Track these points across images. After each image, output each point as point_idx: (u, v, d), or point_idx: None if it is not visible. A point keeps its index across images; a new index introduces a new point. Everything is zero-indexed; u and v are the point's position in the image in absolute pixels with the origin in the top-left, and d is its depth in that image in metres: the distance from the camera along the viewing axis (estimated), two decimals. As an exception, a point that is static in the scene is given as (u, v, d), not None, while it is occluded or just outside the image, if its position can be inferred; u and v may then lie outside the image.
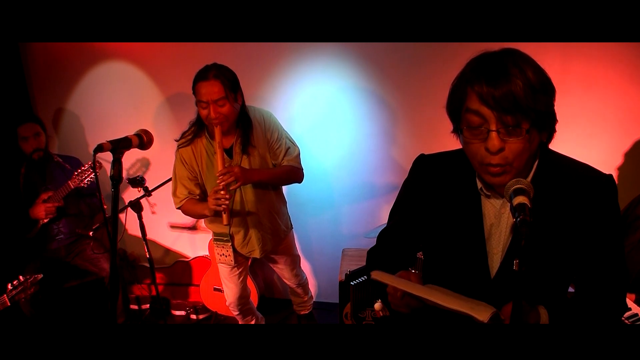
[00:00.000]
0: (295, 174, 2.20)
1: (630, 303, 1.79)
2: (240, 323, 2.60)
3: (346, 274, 2.38)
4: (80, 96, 3.05)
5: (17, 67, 2.97)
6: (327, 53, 2.68)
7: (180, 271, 3.19)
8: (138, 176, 2.48)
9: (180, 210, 2.16)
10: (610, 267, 1.04)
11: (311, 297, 2.84)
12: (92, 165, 2.14)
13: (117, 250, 1.87)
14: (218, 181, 1.88)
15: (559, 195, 1.03)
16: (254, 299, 2.85)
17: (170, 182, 2.17)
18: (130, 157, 3.06)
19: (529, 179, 1.04)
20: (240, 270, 2.38)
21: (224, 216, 1.92)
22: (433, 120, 2.62)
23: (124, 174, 3.04)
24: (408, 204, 1.24)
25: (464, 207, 1.12)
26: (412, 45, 2.57)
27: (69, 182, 2.55)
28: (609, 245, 1.04)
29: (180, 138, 2.09)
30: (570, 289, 1.16)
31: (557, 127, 1.02)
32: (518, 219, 0.85)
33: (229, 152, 2.06)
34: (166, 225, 3.20)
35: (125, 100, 3.00)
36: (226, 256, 2.27)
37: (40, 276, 2.05)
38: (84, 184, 2.56)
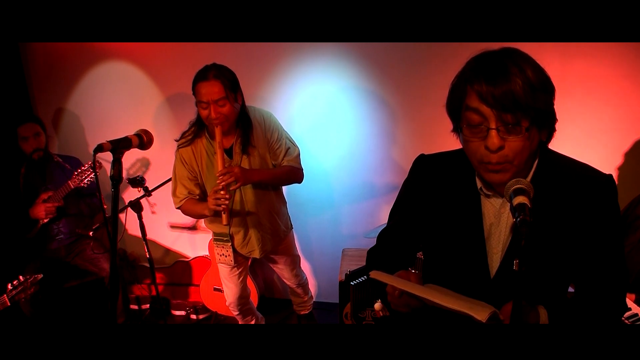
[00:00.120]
0: (295, 174, 2.20)
1: (630, 303, 1.79)
2: (240, 323, 2.60)
3: (346, 274, 2.38)
4: (80, 96, 3.05)
5: (17, 67, 2.97)
6: (327, 53, 2.68)
7: (180, 271, 3.19)
8: (138, 176, 2.48)
9: (180, 210, 2.16)
10: (610, 267, 1.04)
11: (311, 297, 2.84)
12: (92, 165, 2.14)
13: (117, 250, 1.87)
14: (218, 181, 1.88)
15: (558, 195, 1.03)
16: (254, 299, 2.85)
17: (170, 182, 2.17)
18: (130, 157, 3.06)
19: (529, 178, 1.04)
20: (240, 270, 2.38)
21: (224, 216, 1.92)
22: (433, 120, 2.62)
23: (124, 174, 3.04)
24: (408, 204, 1.24)
25: (464, 207, 1.12)
26: (412, 45, 2.57)
27: (69, 182, 2.55)
28: (608, 245, 1.03)
29: (180, 138, 2.09)
30: (570, 289, 1.16)
31: (557, 126, 1.02)
32: (518, 219, 0.85)
33: (229, 152, 2.06)
34: (166, 225, 3.20)
35: (125, 100, 3.00)
36: (226, 256, 2.27)
37: (40, 276, 2.05)
38: (84, 184, 2.56)
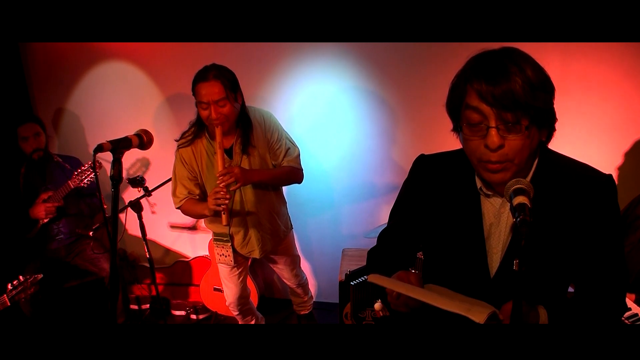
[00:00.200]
0: (295, 175, 2.20)
1: (630, 303, 1.79)
2: (240, 323, 2.60)
3: (346, 274, 2.38)
4: (80, 96, 3.05)
5: (17, 67, 2.97)
6: (327, 53, 2.68)
7: (180, 271, 3.19)
8: (138, 176, 2.48)
9: (180, 210, 2.16)
10: (610, 267, 1.04)
11: (311, 297, 2.84)
12: (92, 165, 2.14)
13: (117, 250, 1.87)
14: (218, 182, 1.88)
15: (558, 195, 1.03)
16: (254, 299, 2.85)
17: (170, 182, 2.17)
18: (130, 157, 3.06)
19: (529, 178, 1.04)
20: (240, 270, 2.38)
21: (224, 217, 1.92)
22: (433, 120, 2.62)
23: (124, 174, 3.04)
24: (408, 204, 1.25)
25: (464, 207, 1.12)
26: (412, 45, 2.57)
27: (69, 182, 2.55)
28: (608, 245, 1.03)
29: (180, 138, 2.09)
30: (570, 289, 1.16)
31: (557, 126, 1.02)
32: (518, 219, 0.85)
33: (229, 152, 2.06)
34: (166, 225, 3.20)
35: (125, 100, 3.00)
36: (226, 256, 2.27)
37: (40, 276, 2.05)
38: (84, 184, 2.56)
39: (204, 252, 3.10)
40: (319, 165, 2.86)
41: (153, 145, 1.58)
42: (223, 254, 2.28)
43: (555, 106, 0.99)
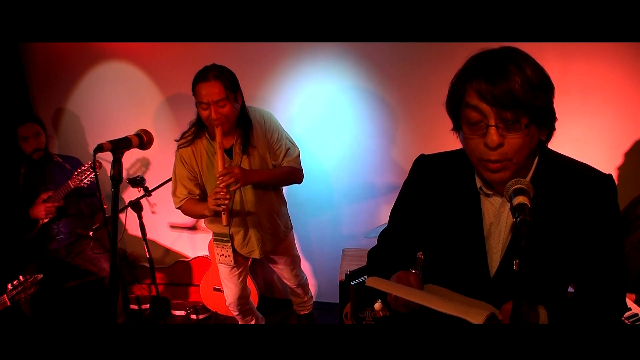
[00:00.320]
0: (295, 175, 2.20)
1: (630, 303, 1.79)
2: (240, 323, 2.60)
3: (346, 274, 2.38)
4: (80, 96, 3.05)
5: (17, 67, 2.97)
6: (327, 53, 2.68)
7: (180, 271, 3.19)
8: (138, 176, 2.48)
9: (180, 210, 2.16)
10: (610, 267, 1.04)
11: (311, 297, 2.84)
12: (92, 165, 2.14)
13: (117, 250, 1.87)
14: (218, 182, 1.88)
15: (558, 194, 1.03)
16: (254, 299, 2.85)
17: (170, 182, 2.17)
18: (130, 157, 3.06)
19: (528, 178, 1.04)
20: (240, 270, 2.38)
21: (224, 217, 1.92)
22: (433, 120, 2.62)
23: (124, 174, 3.04)
24: (408, 204, 1.25)
25: (464, 206, 1.12)
26: (412, 45, 2.57)
27: (69, 182, 2.56)
28: (608, 245, 1.03)
29: (180, 138, 2.09)
30: (570, 289, 1.16)
31: (557, 126, 1.02)
32: (518, 219, 0.85)
33: (229, 152, 2.06)
34: (166, 225, 3.20)
35: (125, 100, 3.00)
36: (226, 256, 2.27)
37: (40, 276, 2.05)
38: (84, 184, 2.56)
39: (204, 252, 3.10)
40: (319, 165, 2.86)
41: (153, 145, 1.58)
42: (223, 254, 2.28)
43: (555, 106, 0.99)
